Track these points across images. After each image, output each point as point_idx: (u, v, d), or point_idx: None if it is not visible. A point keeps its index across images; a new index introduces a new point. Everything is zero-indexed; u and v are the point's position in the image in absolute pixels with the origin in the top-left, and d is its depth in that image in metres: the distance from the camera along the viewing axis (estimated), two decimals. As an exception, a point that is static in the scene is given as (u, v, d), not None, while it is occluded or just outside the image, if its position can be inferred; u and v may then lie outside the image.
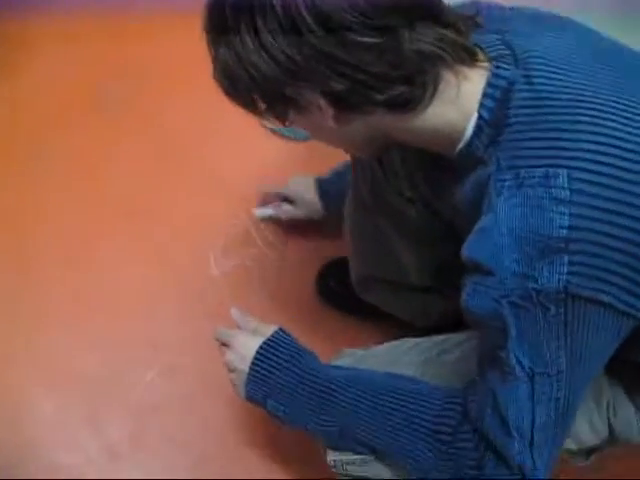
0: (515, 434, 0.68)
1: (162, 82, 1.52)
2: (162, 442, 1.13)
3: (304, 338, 0.88)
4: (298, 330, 0.95)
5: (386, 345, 0.93)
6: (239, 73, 0.65)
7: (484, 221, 0.65)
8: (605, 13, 1.33)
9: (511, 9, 0.76)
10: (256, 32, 0.62)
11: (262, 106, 0.69)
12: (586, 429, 0.85)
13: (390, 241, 1.00)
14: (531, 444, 0.69)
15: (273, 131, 1.44)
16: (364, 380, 0.81)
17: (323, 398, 0.80)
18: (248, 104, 0.70)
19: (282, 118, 0.71)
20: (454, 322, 1.11)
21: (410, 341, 0.92)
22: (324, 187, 1.21)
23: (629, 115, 0.65)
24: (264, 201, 1.32)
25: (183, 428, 1.14)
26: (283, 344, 0.84)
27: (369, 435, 0.78)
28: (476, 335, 0.89)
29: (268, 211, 1.29)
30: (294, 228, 1.31)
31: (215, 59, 0.68)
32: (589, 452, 0.89)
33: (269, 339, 0.84)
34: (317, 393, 0.80)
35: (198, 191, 1.37)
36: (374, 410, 0.77)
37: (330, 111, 0.66)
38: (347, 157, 1.17)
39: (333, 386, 0.80)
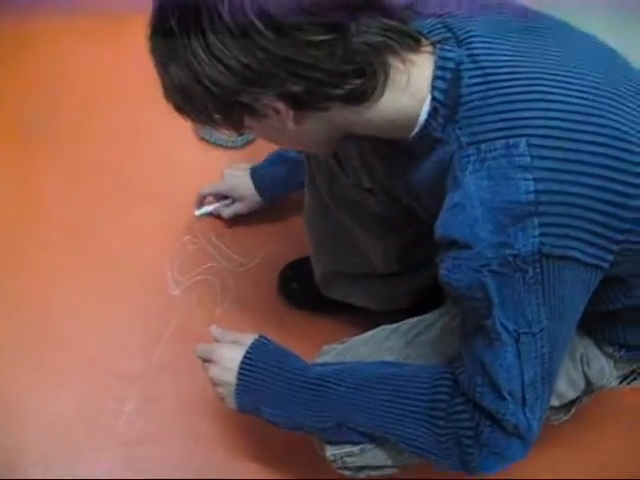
0: (507, 396, 0.71)
1: (83, 101, 1.50)
2: (154, 468, 1.10)
3: (276, 341, 0.88)
4: (269, 335, 0.95)
5: (364, 336, 0.94)
6: (193, 87, 0.65)
7: (454, 197, 0.67)
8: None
9: None
10: (207, 43, 0.62)
11: (217, 117, 0.69)
12: (565, 384, 0.89)
13: (352, 234, 1.01)
14: (523, 403, 0.72)
15: (210, 142, 1.45)
16: (353, 372, 0.82)
17: (316, 396, 0.81)
18: (203, 117, 0.70)
19: (238, 126, 0.72)
20: (420, 301, 1.15)
21: (386, 328, 0.94)
22: (259, 176, 1.24)
23: (570, 81, 0.68)
24: (201, 201, 1.33)
25: (172, 451, 1.12)
26: (267, 350, 0.84)
27: (367, 424, 0.79)
28: (447, 312, 0.93)
29: (208, 208, 1.31)
30: (250, 235, 1.31)
31: (164, 77, 0.67)
32: (569, 405, 0.93)
33: (252, 347, 0.84)
34: (309, 392, 0.81)
35: (141, 211, 1.35)
36: (368, 399, 0.79)
37: (290, 113, 0.67)
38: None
39: (324, 382, 0.81)
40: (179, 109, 0.70)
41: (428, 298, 1.17)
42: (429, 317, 0.93)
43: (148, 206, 1.35)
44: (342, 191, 0.93)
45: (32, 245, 1.29)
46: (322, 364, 0.87)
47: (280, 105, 0.66)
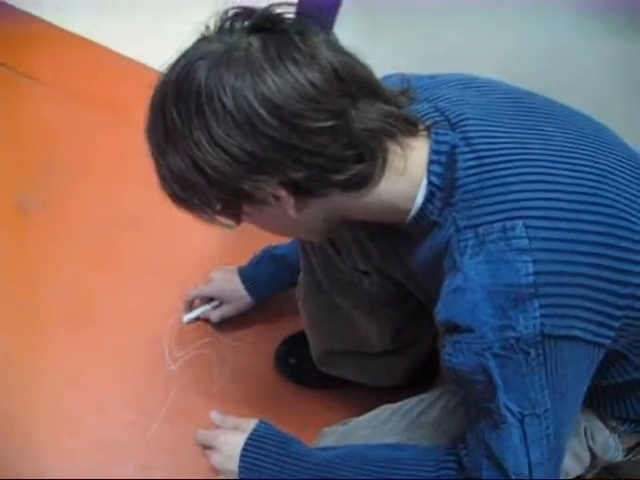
0: (515, 478, 0.70)
1: (78, 176, 1.50)
2: None
3: (275, 420, 0.87)
4: (266, 412, 0.94)
5: (365, 417, 0.93)
6: (194, 176, 0.65)
7: (453, 282, 0.67)
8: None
9: (433, 77, 0.81)
10: (210, 133, 0.63)
11: (216, 206, 0.69)
12: (570, 459, 0.87)
13: (348, 315, 1.00)
14: None
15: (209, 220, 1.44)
16: (356, 456, 0.81)
17: None
18: (201, 207, 0.70)
19: (237, 216, 0.71)
20: (415, 377, 1.15)
21: (387, 408, 0.93)
22: (248, 276, 1.20)
23: (565, 161, 0.70)
24: (190, 305, 1.28)
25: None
26: (267, 436, 0.83)
27: None
28: (446, 391, 0.92)
29: (195, 313, 1.27)
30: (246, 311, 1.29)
31: (162, 167, 0.67)
32: (573, 482, 0.91)
33: (252, 434, 0.83)
34: (314, 477, 0.79)
35: (137, 288, 1.34)
36: None
37: (291, 200, 0.67)
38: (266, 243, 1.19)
39: (328, 468, 0.79)
40: (176, 199, 0.70)
41: (423, 374, 1.17)
42: (429, 397, 0.92)
43: (145, 280, 1.35)
44: (337, 273, 0.93)
45: (28, 319, 1.28)
46: (324, 448, 0.85)
47: (282, 192, 0.66)
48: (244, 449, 0.82)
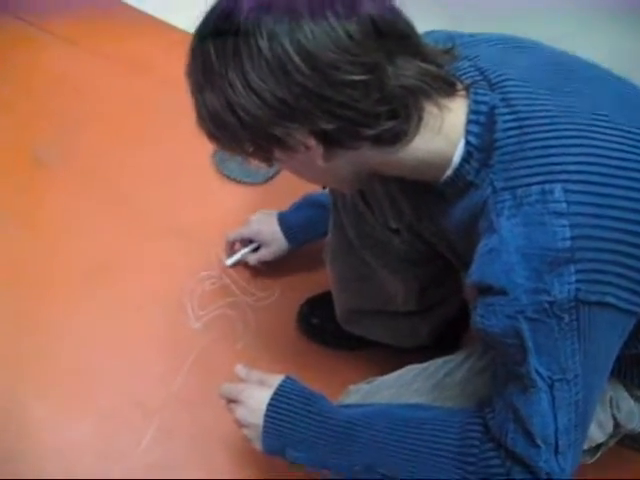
0: (540, 443, 0.70)
1: (101, 132, 1.51)
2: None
3: (298, 377, 0.87)
4: (290, 370, 0.93)
5: (390, 376, 0.93)
6: (227, 117, 0.65)
7: (489, 243, 0.67)
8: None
9: (473, 35, 0.79)
10: (244, 75, 0.62)
11: (248, 148, 0.69)
12: (594, 427, 0.87)
13: (375, 273, 1.00)
14: (556, 450, 0.70)
15: (230, 178, 1.45)
16: (381, 415, 0.81)
17: (344, 439, 0.79)
18: (234, 146, 0.70)
19: (268, 159, 0.71)
20: (440, 338, 1.15)
21: (413, 369, 0.93)
22: (286, 220, 1.22)
23: (605, 125, 0.68)
24: (231, 248, 1.31)
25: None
26: (294, 392, 0.84)
27: (395, 469, 0.78)
28: (473, 353, 0.92)
29: (236, 256, 1.29)
30: (269, 269, 1.30)
31: (199, 104, 0.68)
32: (595, 449, 0.91)
33: (279, 389, 0.84)
34: (337, 435, 0.80)
35: (160, 244, 1.35)
36: (397, 444, 0.78)
37: (320, 149, 0.67)
38: (305, 192, 1.22)
39: (352, 426, 0.80)
40: (211, 136, 0.70)
41: (448, 335, 1.17)
42: (456, 358, 0.92)
43: (168, 239, 1.35)
44: (367, 229, 0.93)
45: (51, 277, 1.29)
46: (349, 406, 0.86)
47: (311, 141, 0.66)
48: (270, 404, 0.82)
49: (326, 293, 1.19)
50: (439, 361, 0.93)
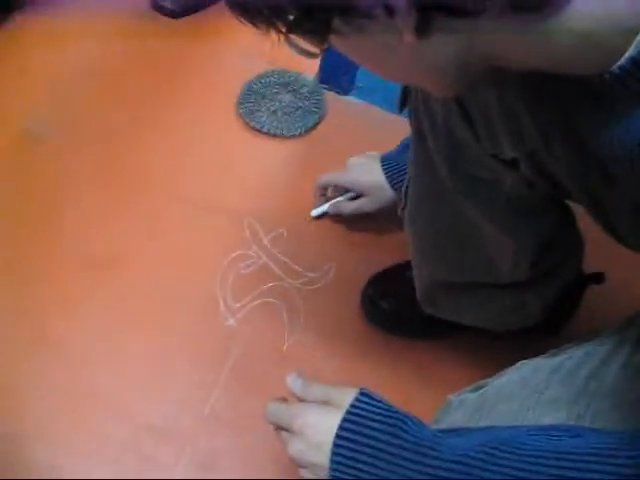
0: None
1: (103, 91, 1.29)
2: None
3: (365, 381, 0.62)
4: (358, 374, 0.79)
5: (503, 380, 0.65)
6: None
7: None
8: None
9: None
10: None
11: (295, 16, 0.43)
12: None
13: (473, 229, 0.73)
14: None
15: (262, 132, 1.21)
16: (510, 449, 0.52)
17: None
18: (274, 17, 0.44)
19: (322, 34, 0.45)
20: (548, 320, 0.88)
21: (535, 367, 0.65)
22: (391, 164, 0.99)
23: None
24: (322, 194, 1.10)
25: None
26: (373, 413, 0.56)
27: None
28: (625, 340, 0.64)
29: (325, 206, 1.09)
30: (316, 243, 1.06)
31: None
32: None
33: (350, 411, 0.56)
34: None
35: (179, 225, 1.09)
36: None
37: (412, 17, 0.40)
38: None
39: (467, 468, 0.51)
40: (244, 9, 0.44)
41: (556, 316, 0.90)
42: (599, 349, 0.64)
43: (187, 213, 1.10)
44: (467, 165, 0.66)
45: (49, 274, 1.04)
46: (454, 431, 0.58)
47: (399, 1, 0.39)
48: (339, 435, 0.55)
49: (396, 266, 0.95)
50: (573, 353, 0.65)
